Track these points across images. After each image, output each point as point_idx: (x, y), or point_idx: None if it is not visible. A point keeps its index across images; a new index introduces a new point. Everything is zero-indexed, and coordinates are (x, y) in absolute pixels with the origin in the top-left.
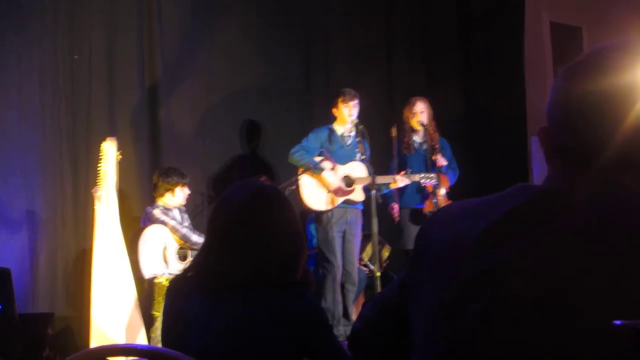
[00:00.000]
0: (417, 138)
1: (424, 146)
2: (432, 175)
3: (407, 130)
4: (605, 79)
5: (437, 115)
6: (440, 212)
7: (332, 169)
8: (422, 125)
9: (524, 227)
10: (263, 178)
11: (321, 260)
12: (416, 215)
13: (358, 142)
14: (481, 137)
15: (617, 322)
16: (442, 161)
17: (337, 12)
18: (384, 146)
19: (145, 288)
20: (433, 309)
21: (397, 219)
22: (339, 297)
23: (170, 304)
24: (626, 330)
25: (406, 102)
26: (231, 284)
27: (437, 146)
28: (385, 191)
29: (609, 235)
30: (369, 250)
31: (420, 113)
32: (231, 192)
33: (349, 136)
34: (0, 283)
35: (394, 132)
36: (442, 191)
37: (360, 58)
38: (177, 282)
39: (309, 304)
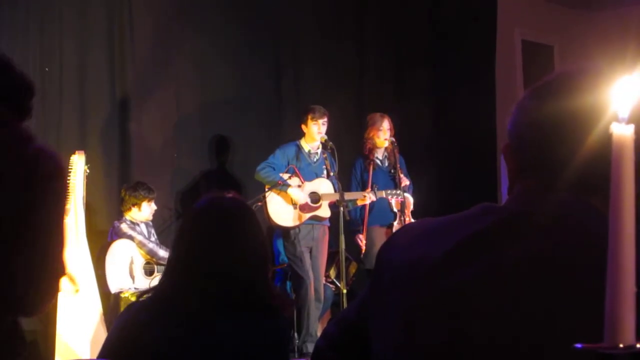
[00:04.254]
0: (379, 155)
1: (386, 163)
2: (399, 191)
3: (371, 147)
4: (566, 100)
5: (407, 130)
6: (400, 231)
7: (300, 186)
8: (391, 142)
9: (484, 252)
10: (231, 194)
11: (292, 275)
12: (383, 234)
13: (325, 158)
14: (450, 154)
15: (578, 345)
16: (405, 180)
17: (308, 27)
18: (352, 162)
19: (111, 303)
20: (392, 331)
21: (363, 248)
22: (315, 312)
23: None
24: (587, 354)
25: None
26: (205, 306)
27: (398, 164)
28: (351, 208)
29: (565, 261)
30: (335, 267)
31: (387, 130)
32: (202, 206)
33: (316, 153)
34: None
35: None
36: (408, 212)
37: (331, 73)
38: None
39: (278, 330)
